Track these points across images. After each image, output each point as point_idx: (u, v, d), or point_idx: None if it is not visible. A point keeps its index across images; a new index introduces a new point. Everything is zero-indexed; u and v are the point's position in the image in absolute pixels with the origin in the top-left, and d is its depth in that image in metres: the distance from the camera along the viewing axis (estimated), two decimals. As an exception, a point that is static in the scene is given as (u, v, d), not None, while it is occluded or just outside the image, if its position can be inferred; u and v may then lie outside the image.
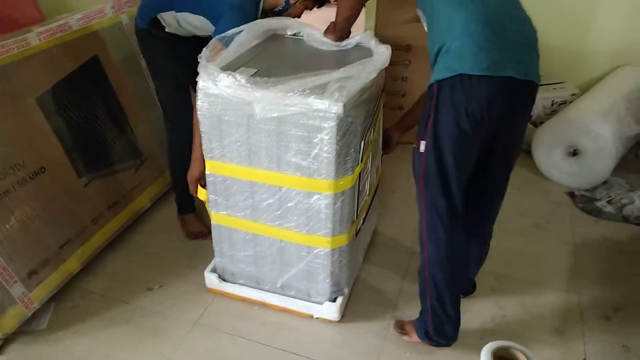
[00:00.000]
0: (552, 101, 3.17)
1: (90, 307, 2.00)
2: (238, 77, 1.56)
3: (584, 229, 2.50)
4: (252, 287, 1.99)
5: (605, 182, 2.74)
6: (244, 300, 2.02)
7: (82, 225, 2.12)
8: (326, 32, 1.96)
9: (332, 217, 1.73)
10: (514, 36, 1.50)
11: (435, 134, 1.52)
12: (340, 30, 1.90)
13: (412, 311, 1.98)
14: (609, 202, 2.62)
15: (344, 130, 1.59)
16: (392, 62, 2.93)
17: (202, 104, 1.66)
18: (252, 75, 1.66)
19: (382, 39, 2.93)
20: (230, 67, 1.73)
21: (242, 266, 1.96)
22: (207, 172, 1.81)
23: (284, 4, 2.01)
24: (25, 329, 1.87)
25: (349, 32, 2.00)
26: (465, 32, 1.45)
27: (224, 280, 2.03)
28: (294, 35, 2.06)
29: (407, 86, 3.05)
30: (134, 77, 2.44)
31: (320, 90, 1.54)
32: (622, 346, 1.88)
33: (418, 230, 1.71)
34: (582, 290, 2.12)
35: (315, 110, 1.54)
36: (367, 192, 1.99)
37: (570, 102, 3.06)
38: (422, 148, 1.56)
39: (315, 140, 1.60)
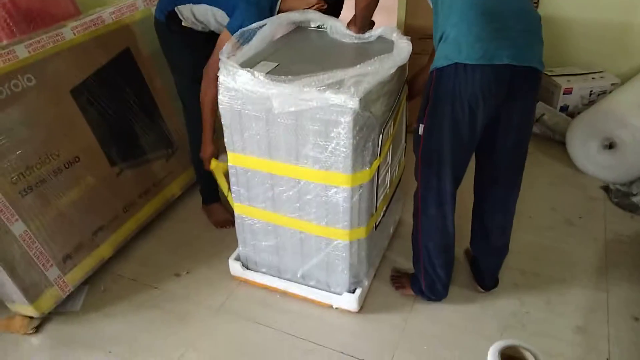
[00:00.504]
0: (591, 91, 3.06)
1: (121, 291, 2.09)
2: (256, 73, 1.59)
3: (618, 225, 2.42)
4: (274, 275, 2.04)
5: (643, 177, 2.64)
6: (266, 288, 2.07)
7: (114, 213, 2.21)
8: (349, 25, 1.96)
9: (350, 210, 1.75)
10: (513, 23, 1.52)
11: (432, 118, 1.62)
12: (360, 21, 1.90)
13: (432, 305, 1.99)
14: (646, 197, 2.53)
15: (361, 125, 1.60)
16: (422, 51, 2.89)
17: (222, 98, 1.70)
18: (271, 70, 1.69)
19: (411, 28, 2.93)
20: (252, 61, 1.76)
21: (264, 255, 2.01)
22: (229, 164, 1.86)
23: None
24: (61, 310, 1.99)
25: (372, 23, 1.99)
26: (463, 20, 1.50)
27: (247, 268, 2.08)
28: (318, 27, 2.07)
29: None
30: (166, 69, 2.49)
31: (337, 86, 1.55)
32: (649, 348, 1.83)
33: (413, 200, 1.84)
34: (611, 288, 2.07)
35: (331, 105, 1.55)
36: (388, 185, 2.00)
37: (610, 93, 2.94)
38: (420, 131, 1.68)
39: (332, 135, 1.61)
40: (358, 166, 1.68)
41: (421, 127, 1.67)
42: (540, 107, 3.10)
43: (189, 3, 2.00)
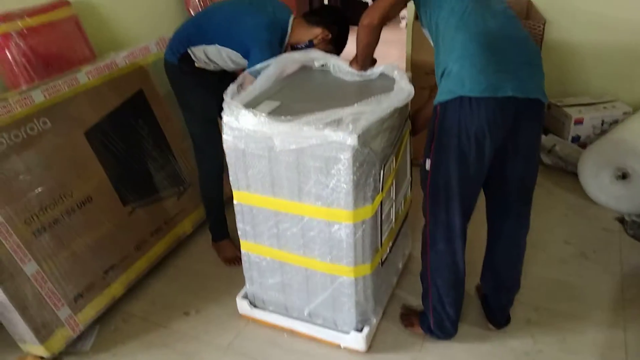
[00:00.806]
0: (602, 121, 3.04)
1: (131, 331, 2.11)
2: (257, 113, 1.63)
3: (635, 258, 2.36)
4: (281, 314, 2.03)
5: (659, 208, 2.58)
6: (274, 327, 2.06)
7: (126, 252, 2.25)
8: (351, 63, 2.00)
9: (353, 246, 1.75)
10: (515, 56, 1.55)
11: (439, 153, 1.62)
12: (362, 60, 1.93)
13: (441, 345, 1.96)
14: (663, 228, 2.47)
15: (361, 161, 1.62)
16: (426, 86, 2.92)
17: (227, 137, 1.74)
18: (274, 109, 1.73)
19: (417, 63, 2.96)
20: (256, 101, 1.81)
21: (271, 293, 2.01)
22: (235, 202, 1.89)
23: (307, 43, 2.09)
24: (71, 350, 2.00)
25: (374, 60, 2.03)
26: (465, 55, 1.53)
27: (255, 306, 2.08)
28: (322, 66, 2.11)
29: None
30: (178, 109, 2.57)
31: (336, 123, 1.58)
32: (669, 387, 1.76)
33: (422, 236, 1.83)
34: (629, 325, 2.00)
35: (331, 142, 1.58)
36: (393, 220, 1.99)
37: (621, 122, 2.92)
38: (427, 166, 1.67)
39: (333, 171, 1.63)
40: (360, 202, 1.69)
41: (428, 162, 1.67)
42: (552, 138, 3.09)
43: (202, 44, 2.08)
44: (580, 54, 3.22)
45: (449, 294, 1.83)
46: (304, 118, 1.59)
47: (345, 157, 1.59)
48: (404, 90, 1.79)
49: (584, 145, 2.99)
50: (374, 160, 1.68)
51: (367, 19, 1.75)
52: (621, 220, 2.60)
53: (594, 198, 2.75)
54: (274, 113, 1.68)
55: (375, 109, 1.65)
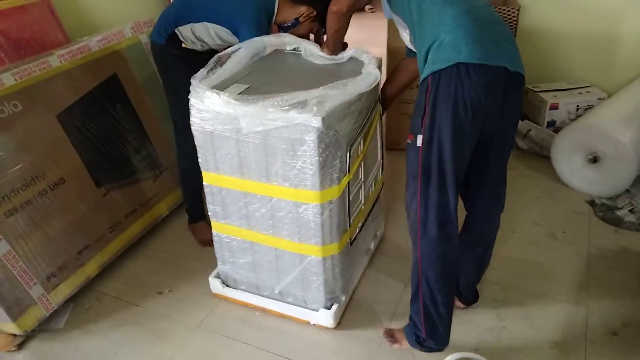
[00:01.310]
0: (577, 106, 3.08)
1: (104, 309, 2.14)
2: (222, 94, 1.65)
3: (602, 239, 2.42)
4: (252, 293, 2.07)
5: (628, 191, 2.63)
6: (245, 305, 2.10)
7: (100, 232, 2.27)
8: (322, 47, 2.02)
9: (320, 226, 1.78)
10: (498, 35, 1.57)
11: (433, 125, 1.52)
12: (332, 44, 1.95)
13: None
14: (631, 210, 2.53)
15: (326, 143, 1.64)
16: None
17: (194, 119, 1.76)
18: (242, 91, 1.75)
19: (394, 49, 2.98)
20: (225, 84, 1.82)
21: (243, 273, 2.05)
22: (204, 183, 1.91)
23: (293, 21, 2.11)
24: (44, 328, 2.03)
25: (345, 45, 2.05)
26: (458, 26, 1.51)
27: (227, 285, 2.12)
28: (294, 50, 2.13)
29: (423, 94, 3.05)
30: (154, 92, 2.59)
31: (301, 105, 1.60)
32: (625, 362, 1.82)
33: (410, 228, 1.70)
34: (591, 303, 2.06)
35: (296, 124, 1.60)
36: (363, 202, 2.03)
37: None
38: (418, 142, 1.56)
39: (299, 153, 1.66)
40: (326, 183, 1.72)
41: (419, 137, 1.55)
42: (527, 124, 3.13)
43: (189, 23, 2.09)
44: (556, 40, 3.25)
45: (442, 291, 1.68)
46: (269, 100, 1.61)
47: (310, 139, 1.61)
48: (371, 74, 1.82)
49: (558, 131, 3.02)
50: (340, 143, 1.71)
51: (335, 5, 1.76)
52: (591, 202, 2.66)
53: (566, 181, 2.80)
54: (242, 95, 1.70)
55: (341, 92, 1.67)
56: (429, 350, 1.78)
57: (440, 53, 1.51)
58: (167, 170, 2.64)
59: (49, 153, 2.10)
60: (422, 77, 1.58)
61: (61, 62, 2.18)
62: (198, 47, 2.16)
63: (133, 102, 2.50)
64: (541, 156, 3.04)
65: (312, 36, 2.27)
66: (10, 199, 1.94)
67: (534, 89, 3.19)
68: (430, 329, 1.73)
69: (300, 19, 2.11)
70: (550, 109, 3.09)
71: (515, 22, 2.89)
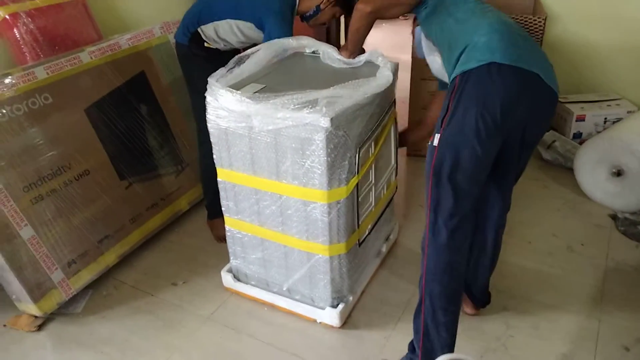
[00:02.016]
0: (605, 119, 3.02)
1: (121, 297, 2.22)
2: (235, 93, 1.70)
3: (622, 254, 2.36)
4: (262, 288, 2.12)
5: (652, 205, 2.56)
6: (255, 300, 2.15)
7: (121, 223, 2.36)
8: (341, 50, 2.06)
9: (328, 226, 1.81)
10: (532, 46, 1.57)
11: (453, 125, 1.46)
12: (351, 46, 1.98)
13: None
14: (654, 226, 2.46)
15: (335, 143, 1.68)
16: (430, 77, 2.95)
17: (210, 116, 1.82)
18: (257, 91, 1.80)
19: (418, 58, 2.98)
20: (242, 83, 1.88)
21: (253, 268, 2.09)
22: (218, 179, 1.97)
23: (314, 9, 2.18)
24: (63, 311, 2.13)
25: (362, 50, 2.08)
26: (493, 30, 1.51)
27: (238, 280, 2.17)
28: (313, 53, 2.17)
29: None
30: (179, 90, 2.67)
31: (311, 105, 1.64)
32: (636, 379, 1.78)
33: (422, 236, 1.63)
34: (604, 317, 2.02)
35: (305, 124, 1.64)
36: (373, 204, 2.05)
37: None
38: (435, 141, 1.50)
39: (308, 152, 1.69)
40: (334, 183, 1.75)
41: (436, 136, 1.50)
42: (552, 134, 3.08)
43: (212, 21, 2.16)
44: (585, 51, 3.19)
45: (447, 310, 1.58)
46: (280, 99, 1.66)
47: (319, 139, 1.65)
48: (384, 76, 1.84)
49: (582, 142, 2.97)
50: (349, 144, 1.74)
51: (362, 3, 1.76)
52: (614, 217, 2.60)
53: (589, 194, 2.75)
54: (256, 94, 1.75)
55: (352, 93, 1.71)
56: None
57: (473, 54, 1.48)
58: (189, 167, 2.72)
59: (75, 145, 2.20)
60: (450, 77, 1.55)
61: (91, 58, 2.29)
62: (221, 46, 2.23)
63: (159, 99, 2.59)
64: (565, 168, 2.99)
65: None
66: (37, 187, 2.04)
67: (561, 100, 3.14)
68: (426, 352, 1.63)
69: (321, 6, 2.16)
70: (576, 121, 3.03)
71: (541, 32, 2.86)
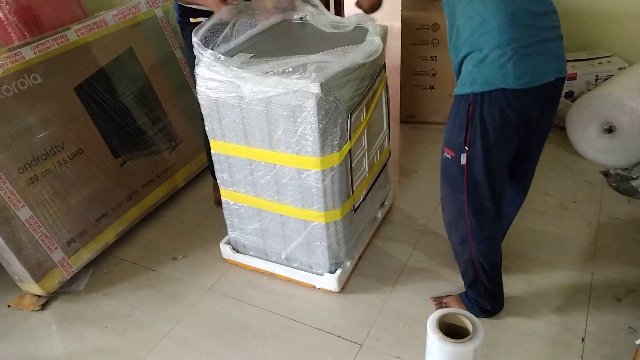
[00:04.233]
0: (597, 76, 3.01)
1: (122, 273, 2.25)
2: (224, 62, 1.70)
3: (614, 209, 2.39)
4: (261, 258, 2.15)
5: (643, 161, 2.59)
6: (254, 270, 2.18)
7: (117, 201, 2.37)
8: (357, 4, 1.92)
9: (323, 192, 1.83)
10: (547, 32, 1.48)
11: (477, 144, 1.52)
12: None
13: (412, 286, 2.05)
14: (645, 181, 2.48)
15: (326, 109, 1.68)
16: (421, 42, 2.94)
17: (199, 88, 1.82)
18: (246, 61, 1.79)
19: (407, 19, 2.96)
20: (230, 53, 1.87)
21: (251, 238, 2.12)
22: (212, 152, 1.98)
23: None
24: (66, 290, 2.16)
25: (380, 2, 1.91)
26: (504, 39, 1.40)
27: (237, 251, 2.20)
28: (301, 19, 2.16)
29: (436, 65, 3.03)
30: (168, 66, 2.66)
31: (300, 70, 1.64)
32: (627, 328, 1.82)
33: (458, 235, 1.74)
34: (597, 271, 2.06)
35: (296, 91, 1.64)
36: (367, 169, 2.06)
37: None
38: (462, 160, 1.57)
39: (299, 120, 1.70)
40: (327, 149, 1.76)
41: (463, 156, 1.56)
42: (544, 94, 3.08)
43: None
44: (577, 8, 3.16)
45: (498, 271, 1.82)
46: (267, 64, 1.65)
47: (310, 105, 1.65)
48: (373, 43, 1.83)
49: (573, 100, 2.98)
50: (340, 109, 1.74)
51: None
52: (606, 173, 2.62)
53: (581, 152, 2.77)
54: (245, 64, 1.75)
55: (341, 59, 1.70)
56: (493, 314, 1.89)
57: (482, 71, 1.43)
58: (183, 143, 2.72)
59: (67, 124, 2.20)
60: (459, 89, 1.52)
61: (78, 36, 2.27)
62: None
63: (149, 75, 2.58)
64: (557, 127, 3.00)
65: None
66: (32, 168, 2.05)
67: (552, 59, 3.13)
68: (494, 301, 1.86)
69: None
70: (568, 79, 3.03)
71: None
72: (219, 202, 2.47)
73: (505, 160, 1.60)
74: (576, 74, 3.02)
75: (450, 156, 1.60)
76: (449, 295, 1.96)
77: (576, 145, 2.77)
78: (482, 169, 1.56)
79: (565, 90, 3.06)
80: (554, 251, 2.18)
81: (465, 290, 1.88)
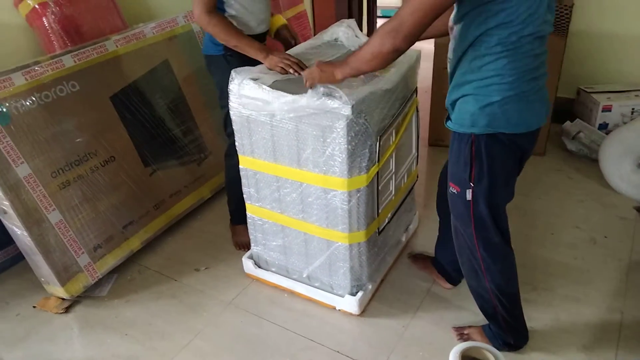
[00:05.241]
0: (633, 109, 2.96)
1: (145, 281, 2.27)
2: (258, 82, 1.72)
3: (646, 246, 2.33)
4: (282, 275, 2.14)
5: (679, 198, 2.51)
6: (275, 286, 2.18)
7: (145, 210, 2.41)
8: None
9: (348, 214, 1.82)
10: (543, 79, 1.50)
11: (482, 181, 1.54)
12: (345, 72, 1.58)
13: (434, 314, 2.02)
14: (681, 219, 2.41)
15: (356, 131, 1.68)
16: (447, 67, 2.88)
17: (232, 104, 1.84)
18: (278, 80, 1.81)
19: (441, 41, 2.97)
20: (264, 71, 1.89)
21: (274, 255, 2.12)
22: (240, 167, 1.99)
23: None
24: (89, 294, 2.19)
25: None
26: (513, 93, 1.41)
27: (259, 266, 2.20)
28: (335, 40, 2.17)
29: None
30: (202, 80, 2.70)
31: (332, 92, 1.64)
32: (657, 372, 1.75)
33: (470, 266, 1.73)
34: (627, 310, 1.99)
35: (327, 111, 1.65)
36: (393, 192, 2.05)
37: (651, 110, 2.84)
38: (468, 196, 1.58)
39: (329, 140, 1.70)
40: (355, 171, 1.76)
41: (469, 192, 1.57)
42: (578, 124, 3.03)
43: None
44: (614, 40, 3.12)
45: (517, 302, 1.79)
46: (299, 84, 1.67)
47: (340, 127, 1.66)
48: (404, 64, 1.84)
49: (608, 132, 2.92)
50: (370, 132, 1.74)
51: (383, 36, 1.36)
52: (638, 209, 2.55)
53: (614, 186, 2.70)
54: (278, 83, 1.76)
55: (374, 84, 1.71)
56: (516, 348, 1.85)
57: (486, 115, 1.44)
58: (212, 155, 2.75)
59: (102, 132, 2.25)
60: (459, 127, 1.52)
61: (117, 46, 2.33)
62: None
63: (182, 87, 2.63)
64: (590, 159, 2.94)
65: None
66: (65, 173, 2.10)
67: (587, 90, 3.09)
68: (516, 334, 1.83)
69: None
70: (602, 111, 2.98)
71: (567, 20, 2.80)
72: (240, 246, 2.43)
73: (508, 197, 1.63)
74: (611, 105, 2.97)
75: (456, 191, 1.62)
76: (471, 327, 1.92)
77: (609, 179, 2.71)
78: (486, 205, 1.58)
79: (599, 121, 3.02)
80: (582, 286, 2.12)
81: (487, 322, 1.85)
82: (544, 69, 1.49)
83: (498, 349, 1.72)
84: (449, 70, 1.57)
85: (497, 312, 1.76)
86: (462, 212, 1.64)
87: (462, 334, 1.91)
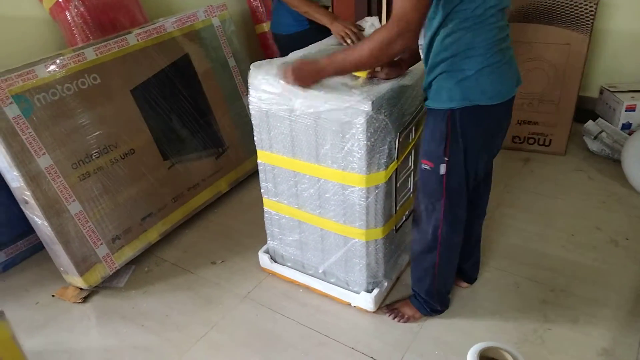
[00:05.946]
0: (657, 109, 2.89)
1: (162, 273, 2.29)
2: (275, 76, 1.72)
3: (669, 249, 2.28)
4: (298, 270, 2.14)
5: None
6: (291, 281, 2.18)
7: (163, 202, 2.43)
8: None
9: (365, 210, 1.81)
10: (511, 49, 1.58)
11: (456, 155, 1.60)
12: (328, 70, 1.62)
13: (450, 313, 2.00)
14: None
15: (375, 127, 1.67)
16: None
17: (252, 99, 1.84)
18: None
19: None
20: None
21: (290, 250, 2.12)
22: (258, 161, 2.00)
23: None
24: (107, 285, 2.22)
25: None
26: (486, 64, 1.48)
27: (275, 261, 2.20)
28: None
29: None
30: (222, 74, 2.71)
31: (352, 88, 1.64)
32: (679, 377, 1.72)
33: (426, 239, 1.78)
34: (648, 314, 1.96)
35: (346, 107, 1.64)
36: (411, 189, 2.03)
37: (678, 111, 2.78)
38: (442, 170, 1.63)
39: (348, 136, 1.70)
40: (373, 167, 1.75)
41: (442, 167, 1.62)
42: (601, 123, 2.98)
43: None
44: (639, 38, 3.06)
45: (452, 274, 1.94)
46: (323, 81, 1.66)
47: (359, 123, 1.65)
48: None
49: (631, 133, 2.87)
50: (390, 128, 1.73)
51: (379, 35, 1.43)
52: (662, 211, 2.51)
53: (636, 187, 2.65)
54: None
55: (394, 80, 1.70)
56: (440, 313, 2.00)
57: (461, 89, 1.50)
58: (230, 149, 2.76)
59: (122, 125, 2.27)
60: (435, 104, 1.56)
61: (138, 40, 2.34)
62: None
63: (202, 82, 2.64)
64: (611, 159, 2.89)
65: None
66: (85, 164, 2.12)
67: (610, 89, 3.03)
68: (441, 301, 1.98)
69: None
70: (626, 111, 2.92)
71: (592, 18, 2.75)
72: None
73: (480, 171, 1.69)
74: (635, 105, 2.91)
75: (429, 167, 1.65)
76: (398, 301, 2.03)
77: (631, 180, 2.66)
78: (460, 176, 1.64)
79: (622, 121, 2.97)
80: (602, 289, 2.09)
81: (415, 294, 1.96)
82: (509, 41, 1.56)
83: (426, 314, 1.96)
84: (422, 56, 1.60)
85: (434, 286, 1.87)
86: (434, 188, 1.67)
87: (393, 309, 2.00)
